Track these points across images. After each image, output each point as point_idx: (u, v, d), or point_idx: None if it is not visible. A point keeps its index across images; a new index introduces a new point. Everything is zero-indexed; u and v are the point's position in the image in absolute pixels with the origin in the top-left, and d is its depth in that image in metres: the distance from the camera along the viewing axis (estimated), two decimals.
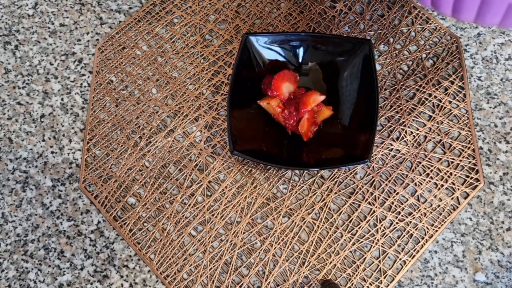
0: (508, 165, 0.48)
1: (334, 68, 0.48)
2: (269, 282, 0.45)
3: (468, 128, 0.49)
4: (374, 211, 0.47)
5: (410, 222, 0.47)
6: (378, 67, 0.51)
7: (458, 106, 0.50)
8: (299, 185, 0.48)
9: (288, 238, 0.46)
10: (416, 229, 0.46)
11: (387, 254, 0.46)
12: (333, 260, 0.46)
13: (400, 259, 0.46)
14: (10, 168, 0.50)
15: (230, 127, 0.44)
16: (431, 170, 0.48)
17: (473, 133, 0.49)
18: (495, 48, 0.52)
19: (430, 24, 0.52)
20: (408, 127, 0.49)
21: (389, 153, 0.48)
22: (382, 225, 0.47)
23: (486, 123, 0.50)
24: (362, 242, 0.46)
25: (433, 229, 0.46)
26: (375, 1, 0.53)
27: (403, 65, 0.51)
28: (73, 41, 0.54)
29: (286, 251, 0.46)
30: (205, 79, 0.52)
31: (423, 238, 0.46)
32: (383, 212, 0.47)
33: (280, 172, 0.48)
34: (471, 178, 0.48)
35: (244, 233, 0.47)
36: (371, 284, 0.45)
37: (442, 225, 0.46)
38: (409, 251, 0.46)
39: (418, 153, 0.48)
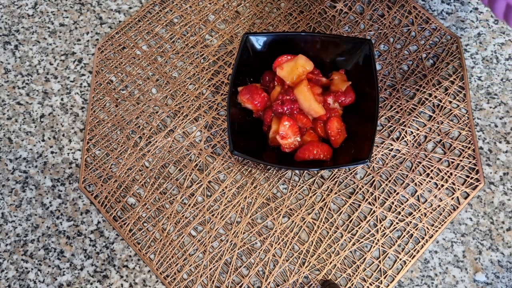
0: (508, 165, 0.48)
1: (334, 68, 0.48)
2: (269, 282, 0.45)
3: (468, 128, 0.49)
4: (374, 211, 0.47)
5: (410, 222, 0.47)
6: (378, 67, 0.51)
7: (458, 106, 0.50)
8: (299, 185, 0.48)
9: (288, 238, 0.46)
10: (416, 229, 0.46)
11: (387, 254, 0.46)
12: (333, 260, 0.46)
13: (400, 259, 0.46)
14: (10, 168, 0.49)
15: (230, 127, 0.44)
16: (431, 170, 0.48)
17: (473, 133, 0.49)
18: (495, 48, 0.52)
19: (430, 24, 0.52)
20: (408, 127, 0.49)
21: (389, 153, 0.48)
22: (382, 225, 0.47)
23: (486, 123, 0.50)
24: (362, 242, 0.46)
25: (433, 229, 0.46)
26: (375, 1, 0.53)
27: (403, 65, 0.51)
28: (73, 41, 0.54)
29: (286, 251, 0.46)
30: (205, 79, 0.52)
31: (423, 238, 0.46)
32: (383, 212, 0.47)
33: (280, 172, 0.48)
34: (471, 178, 0.48)
35: (244, 233, 0.47)
36: (371, 284, 0.45)
37: (442, 225, 0.46)
38: (409, 251, 0.46)
39: (418, 153, 0.48)
